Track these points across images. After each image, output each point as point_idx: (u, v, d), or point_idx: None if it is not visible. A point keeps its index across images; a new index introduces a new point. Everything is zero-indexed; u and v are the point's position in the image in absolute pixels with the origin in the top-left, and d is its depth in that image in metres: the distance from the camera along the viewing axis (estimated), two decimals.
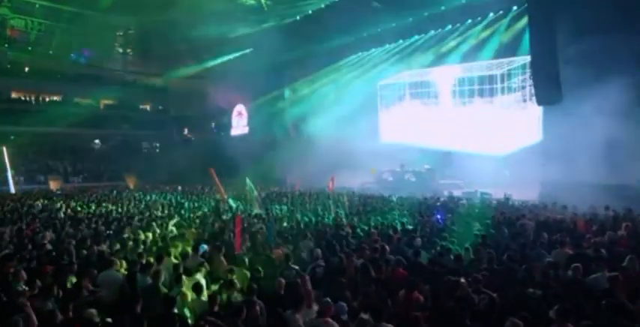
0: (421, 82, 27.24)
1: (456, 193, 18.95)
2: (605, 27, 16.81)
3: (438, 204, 14.75)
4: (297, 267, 6.67)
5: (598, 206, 13.42)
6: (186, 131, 44.66)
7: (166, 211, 14.26)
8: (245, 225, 9.75)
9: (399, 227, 10.38)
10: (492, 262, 6.84)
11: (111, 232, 10.11)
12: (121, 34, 40.73)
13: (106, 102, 42.01)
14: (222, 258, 7.22)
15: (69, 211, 14.71)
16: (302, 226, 10.33)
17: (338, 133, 26.03)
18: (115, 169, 37.92)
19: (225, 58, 34.81)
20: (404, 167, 23.97)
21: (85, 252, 7.81)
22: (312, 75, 29.29)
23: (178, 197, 19.75)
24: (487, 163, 22.15)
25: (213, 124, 43.92)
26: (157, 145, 44.20)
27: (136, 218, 11.92)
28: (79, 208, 15.40)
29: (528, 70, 22.41)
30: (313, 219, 11.59)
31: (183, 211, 13.98)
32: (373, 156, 25.76)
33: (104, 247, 8.32)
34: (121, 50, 43.73)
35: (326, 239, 8.63)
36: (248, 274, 6.50)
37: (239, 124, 37.00)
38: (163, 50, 40.06)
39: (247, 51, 32.39)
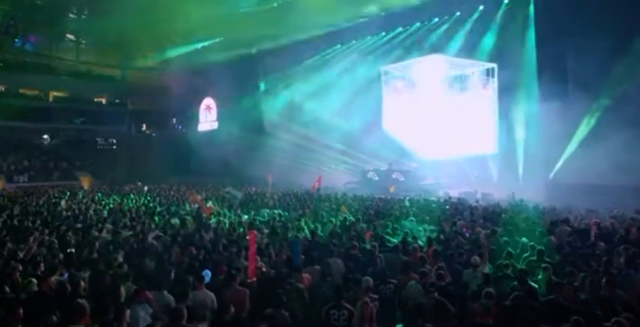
0: (403, 77, 25.76)
1: (453, 193, 17.60)
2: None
3: (447, 206, 13.27)
4: (349, 306, 4.84)
5: (617, 209, 12.41)
6: (144, 127, 41.56)
7: (139, 218, 11.84)
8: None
9: (421, 238, 8.74)
10: (594, 290, 5.28)
11: (72, 250, 7.78)
12: (74, 17, 36.96)
13: (56, 94, 38.41)
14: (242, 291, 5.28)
15: (14, 220, 11.97)
16: (318, 237, 8.38)
17: (319, 128, 24.35)
18: (66, 168, 34.48)
19: (192, 48, 32.21)
20: (392, 165, 22.52)
21: (35, 284, 5.55)
22: (290, 67, 27.28)
23: (145, 200, 17.25)
24: (469, 164, 21.21)
25: (174, 120, 41.19)
26: (114, 141, 40.81)
27: (104, 230, 9.55)
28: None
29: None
30: (320, 227, 9.70)
31: (156, 218, 11.67)
32: (357, 153, 24.35)
33: (64, 275, 6.10)
34: (72, 37, 39.97)
35: (356, 259, 6.79)
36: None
37: (207, 118, 34.45)
38: (121, 38, 37.05)
39: (217, 40, 29.99)
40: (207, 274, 6.05)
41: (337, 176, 23.49)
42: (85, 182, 33.21)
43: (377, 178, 22.79)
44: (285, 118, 26.07)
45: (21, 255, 7.20)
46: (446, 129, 21.82)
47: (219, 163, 27.41)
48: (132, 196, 18.55)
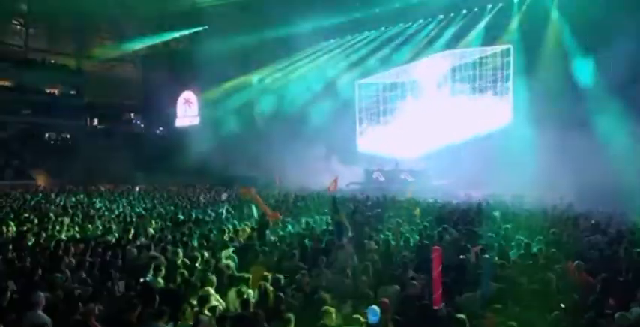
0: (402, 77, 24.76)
1: (476, 195, 16.67)
2: None
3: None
4: None
5: None
6: (100, 121, 38.15)
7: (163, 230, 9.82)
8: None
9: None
10: None
11: (147, 279, 5.71)
12: None
13: (1, 83, 34.19)
14: None
15: (9, 231, 9.47)
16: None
17: (317, 126, 22.86)
18: (18, 165, 30.71)
19: (169, 36, 29.67)
20: (398, 165, 21.46)
21: None
22: (286, 60, 25.55)
23: (147, 203, 14.92)
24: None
25: (132, 115, 38.18)
26: (69, 136, 37.11)
27: (153, 248, 7.48)
28: (15, 228, 10.11)
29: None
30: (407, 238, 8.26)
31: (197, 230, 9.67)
32: (358, 154, 23.19)
33: None
34: (22, 21, 35.99)
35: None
36: None
37: (187, 113, 31.81)
38: (78, 25, 33.92)
39: (200, 29, 27.71)
40: (374, 312, 4.54)
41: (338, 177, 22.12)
42: (41, 181, 29.74)
43: (383, 179, 21.66)
44: (279, 114, 24.32)
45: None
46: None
47: (198, 161, 25.09)
48: (121, 200, 16.10)
